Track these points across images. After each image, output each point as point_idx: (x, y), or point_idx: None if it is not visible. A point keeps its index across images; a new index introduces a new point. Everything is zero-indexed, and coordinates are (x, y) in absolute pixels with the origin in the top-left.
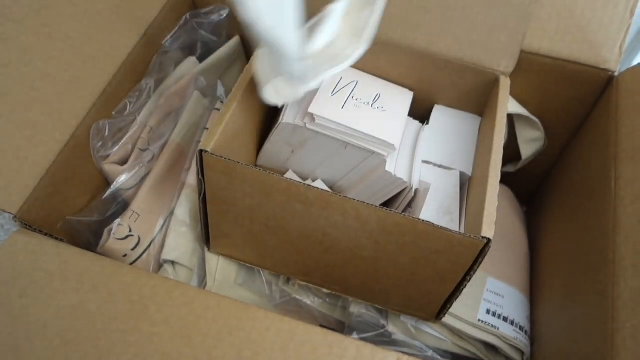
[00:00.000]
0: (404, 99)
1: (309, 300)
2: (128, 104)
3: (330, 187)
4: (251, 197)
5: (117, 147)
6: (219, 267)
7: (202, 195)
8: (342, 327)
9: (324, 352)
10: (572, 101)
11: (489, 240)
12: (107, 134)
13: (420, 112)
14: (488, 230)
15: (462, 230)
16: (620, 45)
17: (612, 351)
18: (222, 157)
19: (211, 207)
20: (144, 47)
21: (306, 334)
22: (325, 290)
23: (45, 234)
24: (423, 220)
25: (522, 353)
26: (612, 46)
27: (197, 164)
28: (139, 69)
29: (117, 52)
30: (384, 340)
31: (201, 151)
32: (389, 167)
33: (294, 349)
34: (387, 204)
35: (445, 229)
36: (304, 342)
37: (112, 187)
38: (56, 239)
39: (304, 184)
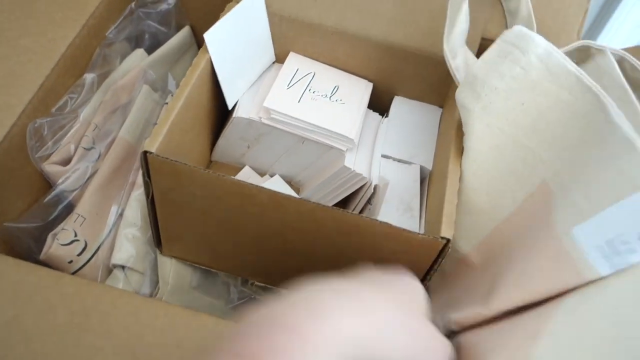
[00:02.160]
0: (363, 90)
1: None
2: (69, 101)
3: (289, 183)
4: (202, 199)
5: (59, 146)
6: (173, 271)
7: (149, 197)
8: None
9: None
10: None
11: (448, 240)
12: (46, 132)
13: (380, 104)
14: (447, 230)
15: (423, 228)
16: (578, 31)
17: None
18: (167, 158)
19: (160, 210)
20: (85, 39)
21: None
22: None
23: None
24: (381, 222)
25: None
26: (569, 31)
27: (142, 166)
28: (80, 63)
29: (55, 44)
30: None
31: (145, 152)
32: (348, 162)
33: None
34: (347, 200)
35: (404, 229)
36: None
37: (54, 189)
38: None
39: (257, 186)
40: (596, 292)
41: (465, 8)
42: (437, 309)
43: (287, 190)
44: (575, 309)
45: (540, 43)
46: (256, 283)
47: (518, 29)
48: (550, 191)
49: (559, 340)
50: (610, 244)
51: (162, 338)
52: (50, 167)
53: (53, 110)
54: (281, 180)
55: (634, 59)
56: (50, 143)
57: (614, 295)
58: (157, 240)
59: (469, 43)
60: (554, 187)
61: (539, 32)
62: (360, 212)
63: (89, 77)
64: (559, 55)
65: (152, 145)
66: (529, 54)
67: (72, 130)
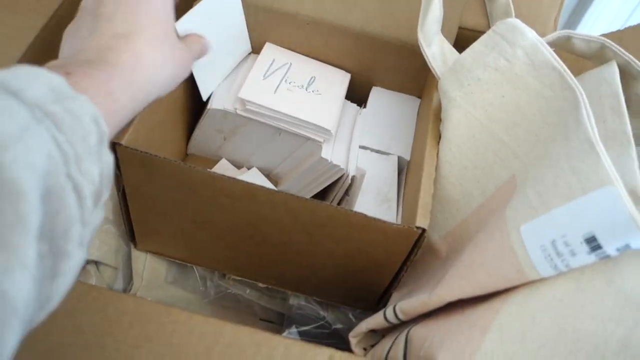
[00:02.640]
0: (340, 81)
1: (246, 294)
2: None
3: (267, 175)
4: (174, 191)
5: None
6: (147, 265)
7: (120, 190)
8: (282, 320)
9: (252, 353)
10: None
11: (423, 230)
12: None
13: (358, 95)
14: (422, 220)
15: (400, 219)
16: (555, 19)
17: None
18: (138, 150)
19: (132, 203)
20: (53, 30)
21: (232, 335)
22: (261, 285)
23: None
24: (356, 212)
25: None
26: (545, 20)
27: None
28: (50, 55)
29: (22, 35)
30: (325, 332)
31: (114, 144)
32: (326, 153)
33: (219, 352)
34: (325, 191)
35: (379, 220)
36: (230, 343)
37: None
38: None
39: (230, 177)
40: (541, 288)
41: None
42: (399, 298)
43: (264, 182)
44: (521, 304)
45: (529, 37)
46: (233, 277)
47: (512, 21)
48: (515, 186)
49: (506, 334)
50: (554, 244)
51: (131, 332)
52: None
53: None
54: (259, 172)
55: (614, 44)
56: None
57: (559, 292)
58: (131, 234)
59: (445, 32)
60: (518, 182)
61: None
62: (339, 203)
63: None
64: (545, 51)
65: (122, 136)
66: (516, 47)
67: None
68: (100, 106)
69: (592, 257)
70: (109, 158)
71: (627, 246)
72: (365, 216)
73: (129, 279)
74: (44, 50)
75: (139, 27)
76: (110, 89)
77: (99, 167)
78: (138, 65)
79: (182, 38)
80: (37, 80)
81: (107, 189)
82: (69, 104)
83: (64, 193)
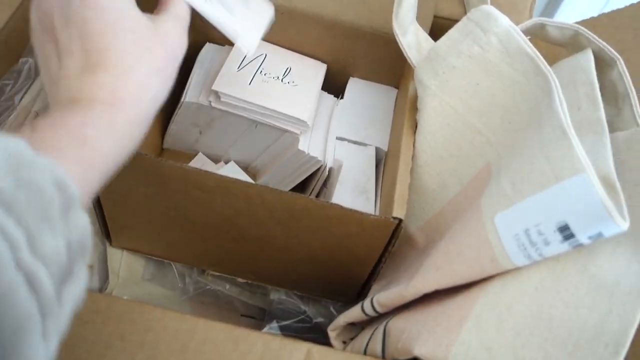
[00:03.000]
0: (316, 72)
1: (225, 289)
2: (4, 87)
3: (245, 169)
4: (145, 185)
5: None
6: (123, 263)
7: None
8: (263, 315)
9: (228, 350)
10: None
11: (400, 220)
12: None
13: (335, 86)
14: (399, 210)
15: (378, 210)
16: (530, 8)
17: None
18: None
19: (104, 198)
20: (19, 22)
21: (208, 332)
22: (241, 280)
23: None
24: (332, 204)
25: None
26: (521, 9)
27: None
28: (16, 48)
29: None
30: (306, 327)
31: None
32: (303, 145)
33: (195, 349)
34: (304, 184)
35: (355, 211)
36: (205, 340)
37: None
38: None
39: (202, 170)
40: (517, 277)
41: None
42: (378, 290)
43: (242, 176)
44: (497, 294)
45: (503, 23)
46: (212, 273)
47: (486, 8)
48: (490, 174)
49: (483, 323)
50: (527, 233)
51: (104, 331)
52: None
53: None
54: (236, 166)
55: (588, 31)
56: None
57: (534, 280)
58: (105, 231)
59: (420, 20)
60: (493, 170)
61: None
62: (317, 196)
63: (25, 62)
64: (518, 37)
65: None
66: (490, 34)
67: (9, 119)
68: (71, 163)
69: (565, 246)
70: (81, 222)
71: (599, 234)
72: (342, 207)
73: (105, 277)
74: (10, 44)
75: (101, 48)
76: (84, 137)
77: (64, 237)
78: (115, 99)
79: (160, 9)
80: None
81: (83, 256)
82: (26, 173)
83: (10, 291)
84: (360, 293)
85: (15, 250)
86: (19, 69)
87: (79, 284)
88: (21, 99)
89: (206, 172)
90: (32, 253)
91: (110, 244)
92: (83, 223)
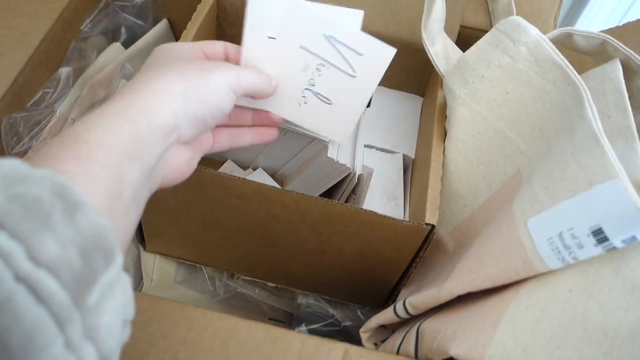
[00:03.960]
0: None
1: (254, 293)
2: (45, 95)
3: (272, 176)
4: (184, 192)
5: (37, 142)
6: (156, 266)
7: None
8: (291, 319)
9: (267, 349)
10: None
11: (433, 226)
12: (22, 128)
13: None
14: (431, 216)
15: (407, 215)
16: (555, 17)
17: None
18: None
19: None
20: (59, 32)
21: (247, 331)
22: (270, 284)
23: None
24: (366, 210)
25: None
26: (546, 18)
27: None
28: (55, 57)
29: (29, 38)
30: (334, 330)
31: None
32: (331, 153)
33: (235, 348)
34: (332, 190)
35: (389, 217)
36: (244, 339)
37: None
38: None
39: (240, 177)
40: (551, 280)
41: None
42: (407, 295)
43: (270, 183)
44: (532, 295)
45: (532, 34)
46: (242, 277)
47: (515, 19)
48: (520, 180)
49: (518, 325)
50: (561, 237)
51: (147, 330)
52: None
53: (28, 105)
54: (264, 173)
55: (615, 40)
56: (26, 139)
57: (568, 282)
58: (140, 236)
59: (447, 30)
60: (524, 177)
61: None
62: (345, 202)
63: (64, 71)
64: (548, 47)
65: None
66: (519, 44)
67: (48, 126)
68: (75, 170)
69: (599, 249)
70: (93, 223)
71: (633, 238)
72: (376, 214)
73: (138, 280)
74: (50, 53)
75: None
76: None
77: (74, 242)
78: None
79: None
80: None
81: (106, 258)
82: (19, 188)
83: (13, 303)
84: (388, 298)
85: (11, 262)
86: (58, 78)
87: (112, 286)
88: (60, 107)
89: (243, 179)
90: (32, 263)
91: (145, 249)
92: (95, 224)
